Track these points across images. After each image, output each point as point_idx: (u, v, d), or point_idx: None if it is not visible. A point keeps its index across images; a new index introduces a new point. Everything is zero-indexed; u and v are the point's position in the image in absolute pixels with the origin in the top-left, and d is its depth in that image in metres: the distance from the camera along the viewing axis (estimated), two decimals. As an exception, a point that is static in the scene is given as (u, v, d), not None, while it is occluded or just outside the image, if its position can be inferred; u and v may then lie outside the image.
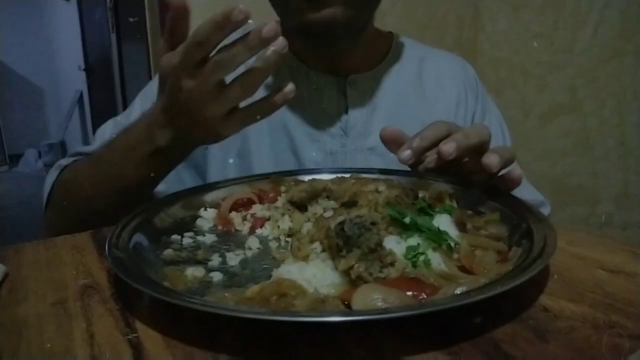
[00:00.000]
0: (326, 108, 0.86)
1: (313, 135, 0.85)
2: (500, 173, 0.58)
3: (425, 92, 0.90)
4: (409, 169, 0.63)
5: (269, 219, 0.58)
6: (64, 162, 0.81)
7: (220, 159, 0.86)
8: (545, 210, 0.88)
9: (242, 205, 0.62)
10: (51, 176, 0.79)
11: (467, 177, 0.60)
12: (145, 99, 0.87)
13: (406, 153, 0.58)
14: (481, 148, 0.57)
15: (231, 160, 0.85)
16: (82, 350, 0.35)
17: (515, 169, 0.60)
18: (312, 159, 0.84)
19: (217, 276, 0.46)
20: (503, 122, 0.95)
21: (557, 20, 1.89)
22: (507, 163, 0.57)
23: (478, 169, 0.57)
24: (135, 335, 0.37)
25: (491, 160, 0.55)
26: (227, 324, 0.38)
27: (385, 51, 0.91)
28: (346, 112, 0.86)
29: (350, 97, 0.86)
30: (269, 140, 0.85)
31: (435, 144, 0.58)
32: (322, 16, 0.74)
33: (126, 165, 0.63)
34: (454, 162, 0.58)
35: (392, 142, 0.63)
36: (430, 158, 0.61)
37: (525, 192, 0.87)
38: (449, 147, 0.55)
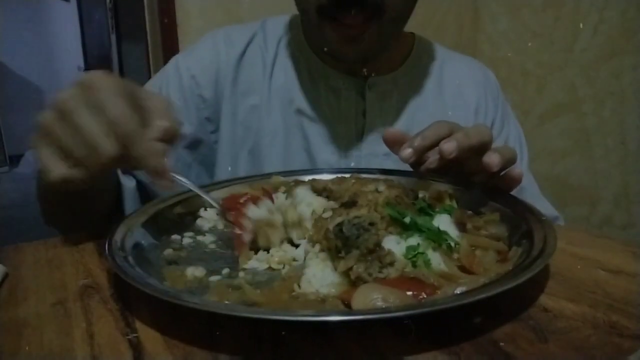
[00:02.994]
0: (343, 110, 0.84)
1: (329, 136, 0.83)
2: (502, 173, 0.58)
3: (445, 97, 0.88)
4: (410, 168, 0.63)
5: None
6: None
7: (230, 156, 0.85)
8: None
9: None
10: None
11: (468, 177, 0.60)
12: None
13: (407, 151, 0.58)
14: (482, 148, 0.56)
15: (242, 157, 0.84)
16: (82, 350, 0.35)
17: (515, 168, 0.60)
18: (326, 161, 0.82)
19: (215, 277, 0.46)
20: (522, 133, 0.93)
21: (557, 20, 1.89)
22: (508, 163, 0.57)
23: (479, 169, 0.57)
24: (135, 335, 0.37)
25: (492, 159, 0.55)
26: (227, 324, 0.38)
27: (406, 53, 0.89)
28: (364, 115, 0.84)
29: (368, 100, 0.84)
30: (283, 139, 0.84)
31: (437, 143, 0.58)
32: (354, 53, 0.74)
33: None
34: (455, 162, 0.58)
35: (395, 143, 0.62)
36: (432, 158, 0.60)
37: (539, 205, 0.87)
38: (449, 146, 0.55)
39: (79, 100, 0.47)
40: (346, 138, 0.84)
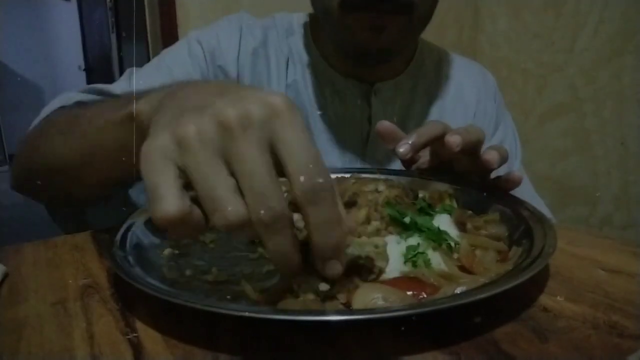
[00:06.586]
0: (349, 115, 0.83)
1: (334, 141, 0.83)
2: (497, 173, 0.59)
3: (445, 101, 0.89)
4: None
5: None
6: (60, 101, 0.73)
7: None
8: None
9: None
10: (39, 116, 0.72)
11: (464, 177, 0.61)
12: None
13: (405, 147, 0.58)
14: (476, 147, 0.57)
15: None
16: (82, 350, 0.35)
17: (515, 171, 0.60)
18: (330, 166, 0.79)
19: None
20: (516, 132, 0.93)
21: (557, 20, 1.89)
22: (502, 161, 0.58)
23: (471, 169, 0.58)
24: (135, 335, 0.37)
25: (492, 156, 0.56)
26: (227, 324, 0.38)
27: (409, 57, 0.89)
28: (369, 121, 0.84)
29: (374, 106, 0.83)
30: None
31: (431, 142, 0.58)
32: (380, 43, 0.72)
33: (103, 127, 0.54)
34: (448, 162, 0.59)
35: (388, 136, 0.62)
36: (424, 159, 0.62)
37: (533, 204, 0.87)
38: (456, 139, 0.55)
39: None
40: (351, 144, 0.83)
